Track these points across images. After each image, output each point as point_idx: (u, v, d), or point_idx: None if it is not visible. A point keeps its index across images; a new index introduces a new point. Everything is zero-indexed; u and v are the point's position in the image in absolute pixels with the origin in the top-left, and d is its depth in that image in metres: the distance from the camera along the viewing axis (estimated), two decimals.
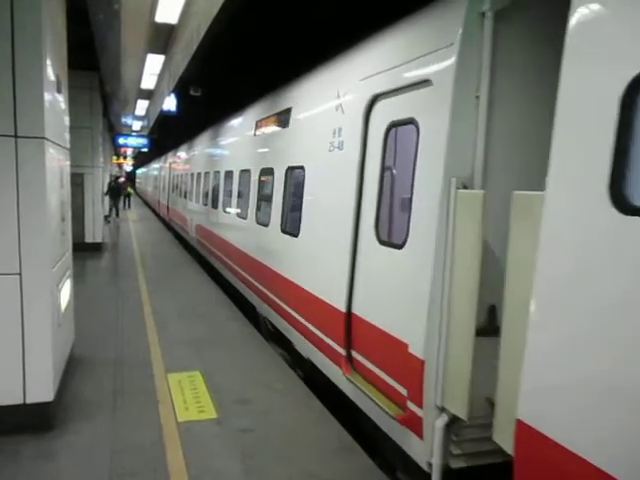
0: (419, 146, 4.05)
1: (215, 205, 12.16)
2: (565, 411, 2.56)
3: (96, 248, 15.00)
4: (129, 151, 41.29)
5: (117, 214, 25.96)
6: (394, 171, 4.70)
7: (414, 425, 3.91)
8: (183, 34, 8.36)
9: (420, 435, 3.84)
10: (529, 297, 2.75)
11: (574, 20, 2.60)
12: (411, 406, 3.94)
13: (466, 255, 3.54)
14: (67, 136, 6.12)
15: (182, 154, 20.29)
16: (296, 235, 6.54)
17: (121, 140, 25.35)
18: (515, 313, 3.02)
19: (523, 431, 2.74)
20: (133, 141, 25.34)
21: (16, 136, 4.40)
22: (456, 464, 3.70)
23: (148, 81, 12.70)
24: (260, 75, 13.64)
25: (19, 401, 4.62)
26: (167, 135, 26.33)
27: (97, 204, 15.27)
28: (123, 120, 22.15)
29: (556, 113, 2.67)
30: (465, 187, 3.66)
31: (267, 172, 8.07)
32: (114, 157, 38.63)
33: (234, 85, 15.40)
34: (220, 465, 4.26)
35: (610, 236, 2.36)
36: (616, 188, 2.32)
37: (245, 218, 9.24)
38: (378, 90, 4.69)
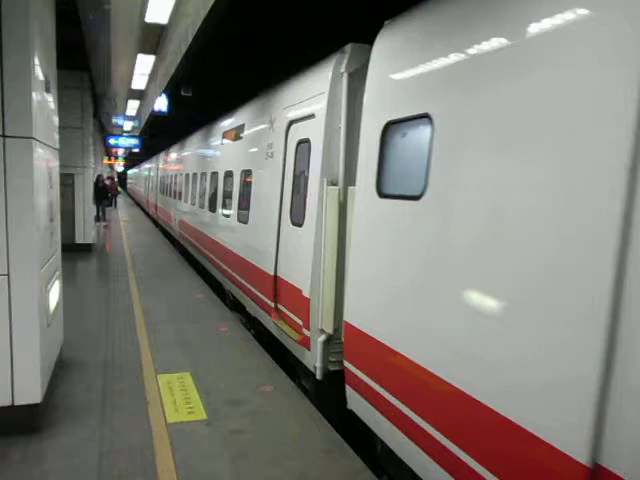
0: (311, 157, 5.97)
1: (193, 202, 14.16)
2: (365, 314, 4.59)
3: (87, 249, 14.93)
4: (120, 151, 41.08)
5: (104, 218, 23.79)
6: (302, 174, 6.38)
7: (306, 343, 5.87)
8: (173, 34, 8.34)
9: (309, 349, 5.79)
10: (350, 250, 4.87)
11: (367, 84, 4.75)
12: (305, 331, 5.89)
13: (331, 228, 5.35)
14: (56, 136, 6.09)
15: (166, 158, 22.80)
16: (246, 223, 8.56)
17: (112, 140, 25.18)
18: (348, 260, 4.96)
19: (348, 326, 4.80)
20: (124, 141, 25.18)
21: (4, 136, 4.36)
22: (332, 367, 5.53)
23: (139, 81, 12.64)
24: (245, 79, 13.70)
25: (7, 402, 4.59)
26: (158, 135, 26.26)
27: (88, 205, 15.20)
28: (114, 120, 21.99)
29: (360, 141, 4.81)
30: (333, 184, 5.47)
31: (229, 174, 10.08)
32: (105, 158, 38.44)
33: (224, 86, 15.40)
34: (210, 466, 4.26)
35: (377, 209, 4.41)
36: (378, 184, 4.41)
37: (214, 212, 11.22)
38: (292, 117, 6.67)
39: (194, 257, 14.20)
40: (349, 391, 4.87)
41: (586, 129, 2.59)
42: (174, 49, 9.34)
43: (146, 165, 35.08)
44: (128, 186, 65.24)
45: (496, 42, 3.22)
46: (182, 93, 14.97)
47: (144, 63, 10.48)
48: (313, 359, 5.64)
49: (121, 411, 5.16)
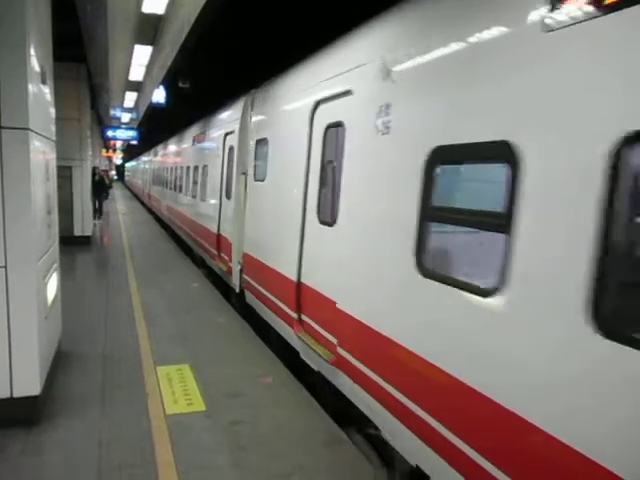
0: (234, 157, 9.33)
1: (175, 189, 17.75)
2: (250, 247, 8.05)
3: (85, 242, 14.91)
4: (118, 144, 40.94)
5: (100, 213, 21.43)
6: (230, 168, 9.80)
7: (229, 272, 9.49)
8: (171, 25, 8.28)
9: (231, 274, 9.47)
10: (246, 209, 8.47)
11: (248, 119, 8.75)
12: (229, 264, 9.48)
13: (241, 198, 8.64)
14: (53, 128, 6.05)
15: (156, 155, 27.14)
16: (204, 200, 12.33)
17: (110, 133, 25.09)
18: (246, 216, 8.37)
19: (245, 255, 8.24)
20: (122, 133, 25.09)
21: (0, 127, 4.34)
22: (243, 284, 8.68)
23: (136, 73, 12.58)
24: (245, 68, 13.62)
25: (6, 394, 4.59)
26: (156, 127, 26.16)
27: (86, 197, 15.16)
28: (112, 112, 21.89)
29: (248, 148, 8.60)
30: (243, 174, 8.61)
31: (195, 169, 13.77)
32: (103, 150, 38.30)
33: (221, 77, 15.32)
34: (209, 458, 4.26)
35: (254, 187, 8.02)
36: (254, 173, 8.02)
37: (195, 197, 13.84)
38: (225, 131, 10.36)
39: (174, 231, 18.07)
40: (246, 292, 8.39)
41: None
42: (171, 40, 9.29)
43: (142, 158, 39.09)
44: (126, 178, 65.43)
45: (282, 109, 7.14)
46: (180, 84, 14.90)
47: (141, 54, 10.42)
48: (235, 280, 9.04)
49: (120, 403, 5.17)
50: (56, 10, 6.00)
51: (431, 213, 3.74)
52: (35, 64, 4.75)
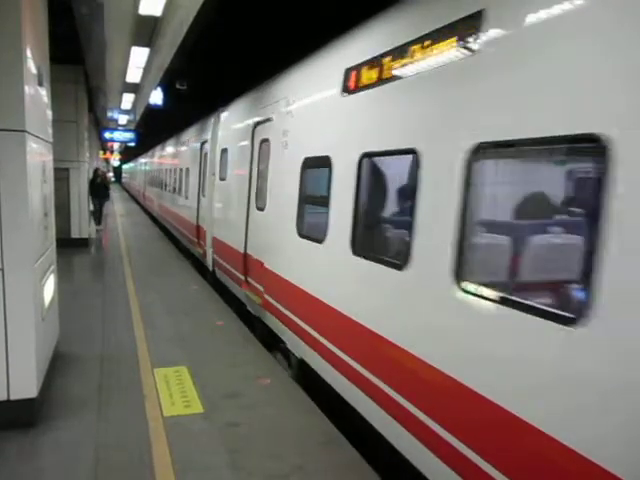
0: (207, 162, 11.77)
1: (164, 189, 20.64)
2: (215, 230, 10.86)
3: (82, 244, 14.88)
4: (116, 145, 40.90)
5: (100, 220, 19.58)
6: (205, 170, 12.21)
7: (204, 256, 11.88)
8: (168, 27, 8.28)
9: (206, 257, 11.92)
10: (213, 201, 11.33)
11: (216, 132, 11.38)
12: (205, 248, 11.83)
13: (211, 193, 11.30)
14: (50, 130, 6.04)
15: (150, 158, 30.12)
16: (187, 197, 14.64)
17: (107, 134, 25.04)
18: (214, 207, 11.21)
19: (213, 238, 10.85)
20: (119, 135, 25.06)
21: None
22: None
23: (134, 74, 12.56)
24: (240, 71, 13.66)
25: (3, 397, 4.58)
26: (154, 129, 26.12)
27: (83, 199, 15.13)
28: (109, 114, 21.85)
29: (215, 154, 11.37)
30: (213, 174, 11.00)
31: (180, 171, 16.44)
32: (101, 152, 38.24)
33: (218, 79, 15.33)
34: (206, 459, 4.26)
35: (217, 184, 10.83)
36: (220, 174, 10.54)
37: (180, 195, 16.26)
38: (201, 140, 12.82)
39: (171, 232, 19.64)
40: (216, 269, 10.72)
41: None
42: (168, 42, 9.28)
43: (140, 160, 40.96)
44: (123, 180, 65.99)
45: (236, 126, 9.72)
46: (177, 86, 14.90)
47: (138, 56, 10.41)
48: (209, 261, 11.34)
49: (117, 405, 5.16)
50: (53, 11, 5.99)
51: (303, 198, 6.05)
52: (31, 66, 4.74)
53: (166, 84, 14.93)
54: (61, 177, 13.37)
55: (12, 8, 4.29)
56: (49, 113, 6.03)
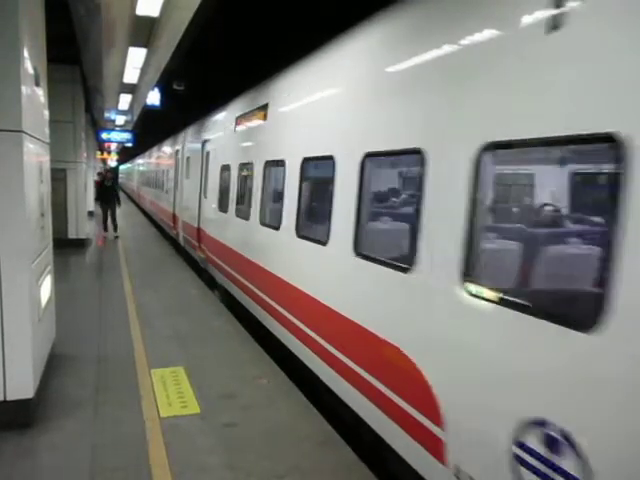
0: (178, 166, 16.28)
1: (152, 186, 24.61)
2: (183, 213, 14.96)
3: (80, 244, 14.86)
4: (113, 146, 40.79)
5: (113, 226, 17.80)
6: (185, 173, 15.09)
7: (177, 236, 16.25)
8: (165, 27, 8.27)
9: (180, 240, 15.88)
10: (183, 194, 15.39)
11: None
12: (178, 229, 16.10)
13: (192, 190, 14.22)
14: (47, 130, 6.04)
15: (142, 160, 34.83)
16: (167, 193, 18.36)
17: (104, 135, 24.92)
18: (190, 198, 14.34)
19: (183, 222, 14.95)
20: (117, 136, 24.94)
21: None
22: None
23: (131, 75, 12.55)
24: (241, 69, 13.65)
25: None
26: (151, 129, 26.08)
27: (80, 200, 15.11)
28: (106, 115, 21.83)
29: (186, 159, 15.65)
30: (182, 175, 15.47)
31: (163, 172, 20.50)
32: (98, 152, 38.15)
33: (216, 79, 15.32)
34: (203, 460, 4.26)
35: (186, 183, 14.76)
36: (186, 176, 14.85)
37: (162, 190, 20.27)
38: (176, 149, 17.18)
39: (150, 216, 25.56)
40: (185, 245, 14.50)
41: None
42: (166, 42, 9.28)
43: (137, 161, 44.14)
44: (120, 180, 66.73)
45: (194, 140, 14.20)
46: (174, 87, 14.89)
47: (136, 56, 10.40)
48: (181, 240, 14.90)
49: (114, 406, 5.15)
50: (50, 12, 5.98)
51: (223, 189, 9.93)
52: (28, 66, 4.74)
53: (163, 85, 14.92)
54: (58, 178, 13.36)
55: (9, 8, 4.28)
56: (46, 113, 6.02)
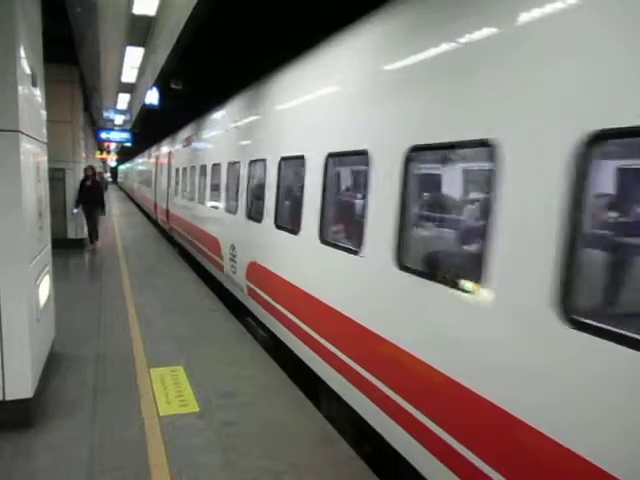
0: (173, 164, 18.42)
1: (148, 185, 27.40)
2: (162, 202, 21.36)
3: (80, 244, 14.85)
4: (112, 146, 40.80)
5: (95, 236, 15.25)
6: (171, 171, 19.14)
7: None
8: (162, 26, 8.28)
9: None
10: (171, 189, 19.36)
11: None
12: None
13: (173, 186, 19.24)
14: (44, 130, 6.04)
15: (138, 159, 39.05)
16: (150, 187, 25.55)
17: (103, 134, 24.93)
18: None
19: (160, 206, 21.75)
20: (116, 135, 24.96)
21: None
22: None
23: (129, 74, 12.57)
24: (241, 67, 13.65)
25: None
26: (150, 128, 26.09)
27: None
28: (105, 114, 21.90)
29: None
30: (160, 174, 22.37)
31: (152, 172, 25.34)
32: (97, 152, 38.15)
33: (214, 78, 15.33)
34: (202, 458, 4.27)
35: (163, 180, 20.69)
36: (167, 174, 19.88)
37: (150, 186, 25.42)
38: (169, 151, 19.75)
39: (140, 206, 31.97)
40: (166, 227, 19.22)
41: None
42: (163, 41, 9.28)
43: (136, 160, 46.32)
44: (119, 180, 67.62)
45: (166, 149, 20.74)
46: (172, 86, 14.89)
47: (133, 56, 10.41)
48: (160, 222, 21.33)
49: (113, 405, 5.16)
50: (46, 11, 5.98)
51: (177, 182, 16.48)
52: (25, 66, 4.74)
53: (161, 84, 14.92)
54: (57, 177, 13.36)
55: (5, 9, 4.29)
56: (43, 113, 6.02)
